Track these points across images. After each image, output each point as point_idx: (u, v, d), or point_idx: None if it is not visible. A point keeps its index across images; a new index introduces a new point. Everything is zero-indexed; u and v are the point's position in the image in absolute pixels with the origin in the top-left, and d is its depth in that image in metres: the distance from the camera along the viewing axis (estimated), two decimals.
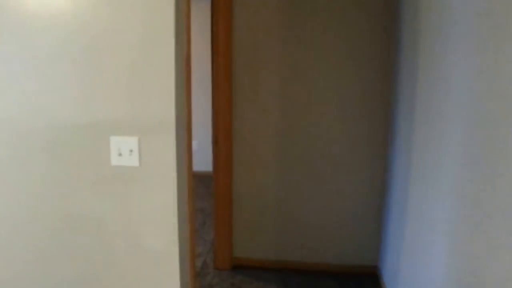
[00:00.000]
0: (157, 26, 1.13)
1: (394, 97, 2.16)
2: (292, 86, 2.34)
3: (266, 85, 2.35)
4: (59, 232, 1.26)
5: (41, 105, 1.20)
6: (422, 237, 1.56)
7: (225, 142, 2.33)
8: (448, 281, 1.24)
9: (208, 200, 3.71)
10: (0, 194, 1.26)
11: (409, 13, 1.87)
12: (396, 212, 2.02)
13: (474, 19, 1.11)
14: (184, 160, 1.29)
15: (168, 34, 1.13)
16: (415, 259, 1.65)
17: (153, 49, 1.14)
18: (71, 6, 1.14)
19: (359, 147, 2.36)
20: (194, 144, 4.44)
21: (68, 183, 1.24)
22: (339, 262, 2.48)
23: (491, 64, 0.98)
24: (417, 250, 1.63)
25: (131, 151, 1.22)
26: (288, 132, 2.39)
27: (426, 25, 1.60)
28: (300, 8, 2.25)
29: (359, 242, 2.46)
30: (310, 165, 2.40)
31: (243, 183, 2.46)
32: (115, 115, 1.19)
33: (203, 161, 4.21)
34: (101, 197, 1.24)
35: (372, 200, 2.39)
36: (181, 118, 1.24)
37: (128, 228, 1.24)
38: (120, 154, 1.23)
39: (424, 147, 1.57)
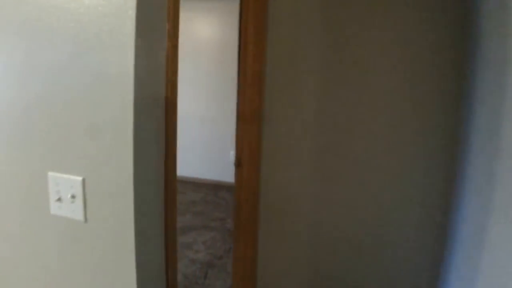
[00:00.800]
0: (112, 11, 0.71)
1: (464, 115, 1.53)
2: (337, 94, 1.80)
3: (306, 94, 1.84)
4: None
5: None
6: None
7: (251, 165, 1.87)
8: None
9: None
10: None
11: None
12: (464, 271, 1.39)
13: None
14: (158, 212, 0.85)
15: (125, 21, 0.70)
16: None
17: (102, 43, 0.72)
18: None
19: (416, 183, 1.75)
20: (231, 155, 4.04)
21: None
22: None
23: None
24: None
25: (73, 197, 0.81)
26: (331, 156, 1.85)
27: None
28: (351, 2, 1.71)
29: None
30: (352, 198, 1.84)
31: (271, 216, 1.97)
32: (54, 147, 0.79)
33: None
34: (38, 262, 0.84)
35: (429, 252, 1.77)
36: (149, 158, 0.80)
37: None
38: (59, 199, 0.82)
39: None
